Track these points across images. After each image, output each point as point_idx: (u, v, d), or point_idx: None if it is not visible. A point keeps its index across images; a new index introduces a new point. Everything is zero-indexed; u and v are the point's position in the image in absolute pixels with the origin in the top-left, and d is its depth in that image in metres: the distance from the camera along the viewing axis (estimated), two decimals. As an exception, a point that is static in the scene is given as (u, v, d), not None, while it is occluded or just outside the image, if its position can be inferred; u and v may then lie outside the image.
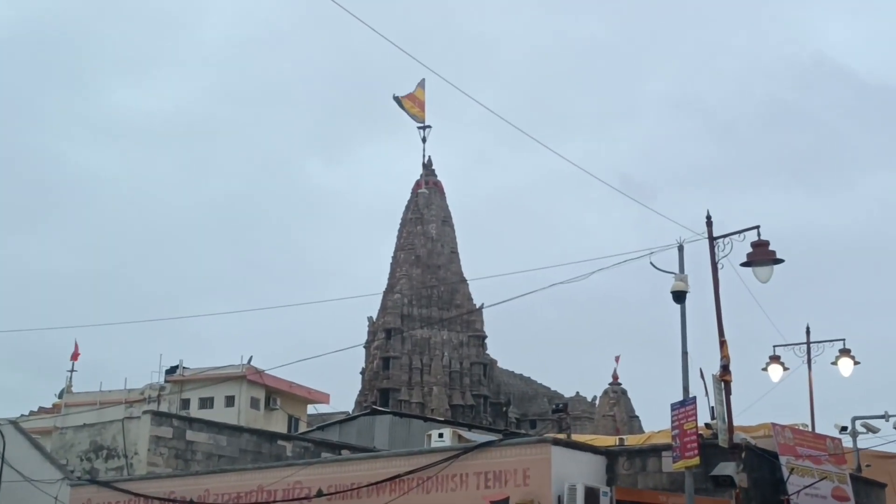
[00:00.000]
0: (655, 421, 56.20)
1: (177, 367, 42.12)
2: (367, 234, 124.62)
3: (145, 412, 25.91)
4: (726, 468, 16.26)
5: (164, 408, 38.65)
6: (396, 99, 59.25)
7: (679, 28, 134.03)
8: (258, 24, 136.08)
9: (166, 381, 41.86)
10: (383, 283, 60.44)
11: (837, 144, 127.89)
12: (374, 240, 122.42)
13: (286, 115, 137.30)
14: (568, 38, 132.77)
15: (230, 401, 40.41)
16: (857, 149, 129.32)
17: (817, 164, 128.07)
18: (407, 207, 62.11)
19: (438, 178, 63.01)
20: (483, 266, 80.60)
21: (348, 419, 32.48)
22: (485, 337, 59.24)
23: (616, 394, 55.61)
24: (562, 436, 19.93)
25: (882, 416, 23.96)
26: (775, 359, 24.12)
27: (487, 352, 59.61)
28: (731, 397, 16.95)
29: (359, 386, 58.54)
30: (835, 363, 24.02)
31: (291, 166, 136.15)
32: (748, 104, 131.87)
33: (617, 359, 56.60)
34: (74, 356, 43.05)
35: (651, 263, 17.33)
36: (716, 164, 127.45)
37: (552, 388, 64.10)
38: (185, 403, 41.04)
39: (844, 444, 20.50)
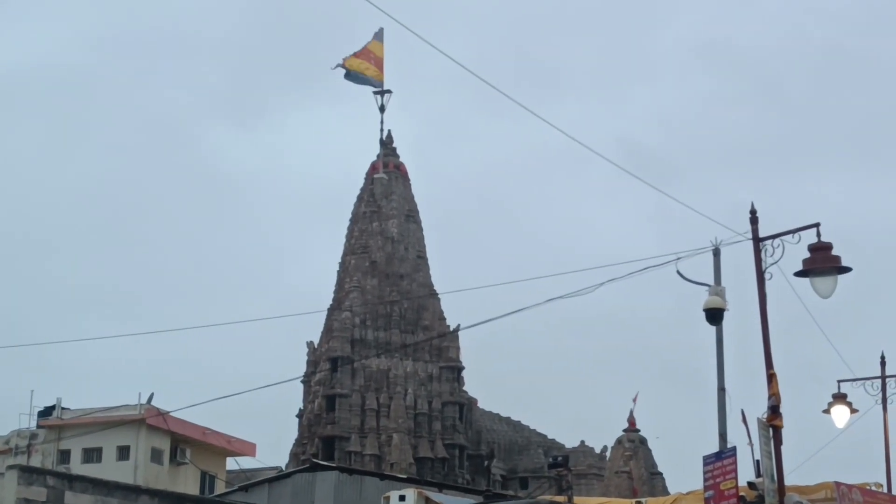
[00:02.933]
0: (683, 479, 56.36)
1: (53, 407, 41.87)
2: (299, 231, 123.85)
3: (11, 467, 25.72)
4: (776, 540, 16.35)
5: (36, 462, 38.36)
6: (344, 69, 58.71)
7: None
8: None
9: (39, 427, 41.61)
10: (327, 298, 60.50)
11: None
12: (309, 239, 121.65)
13: (185, 68, 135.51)
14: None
15: (124, 452, 40.22)
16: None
17: (893, 135, 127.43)
18: (359, 198, 62.17)
19: (401, 159, 63.17)
20: (459, 275, 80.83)
21: (280, 476, 32.43)
22: (461, 369, 59.34)
23: (633, 444, 55.82)
24: (561, 498, 19.98)
25: (979, 473, 24.16)
26: (840, 398, 24.24)
27: (465, 388, 59.71)
28: (783, 448, 17.04)
29: (295, 433, 58.52)
30: (918, 403, 24.22)
31: (191, 136, 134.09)
32: (799, 54, 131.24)
33: (634, 398, 56.81)
34: None
35: (678, 272, 17.43)
36: (757, 135, 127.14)
37: (549, 437, 64.35)
38: (65, 456, 40.84)
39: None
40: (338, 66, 58.60)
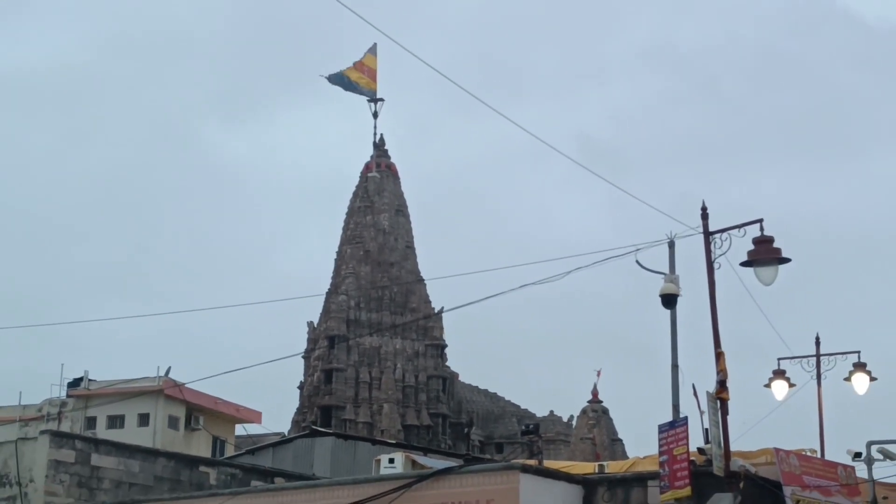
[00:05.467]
0: (641, 445, 56.59)
1: (81, 379, 41.79)
2: (291, 222, 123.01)
3: (43, 432, 25.76)
4: (722, 500, 16.44)
5: (65, 427, 38.30)
6: (338, 77, 58.62)
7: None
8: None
9: (68, 396, 41.53)
10: (323, 283, 60.45)
11: (847, 105, 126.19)
12: (300, 228, 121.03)
13: (183, 68, 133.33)
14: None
15: (144, 419, 40.17)
16: (872, 111, 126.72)
17: (823, 130, 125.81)
18: (354, 194, 62.11)
19: (391, 159, 63.11)
20: (443, 263, 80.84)
21: (283, 441, 32.52)
22: (444, 346, 59.33)
23: (596, 413, 55.93)
24: (532, 462, 20.06)
25: (901, 441, 24.25)
26: (780, 374, 24.38)
27: (447, 364, 59.72)
28: (729, 418, 17.15)
29: (296, 403, 58.45)
30: (848, 379, 24.28)
31: (193, 133, 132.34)
32: (735, 56, 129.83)
33: (597, 373, 56.90)
34: None
35: (637, 262, 17.55)
36: (699, 131, 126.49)
37: (522, 407, 64.39)
38: (91, 422, 40.75)
39: (858, 474, 20.75)
40: (331, 74, 58.66)
